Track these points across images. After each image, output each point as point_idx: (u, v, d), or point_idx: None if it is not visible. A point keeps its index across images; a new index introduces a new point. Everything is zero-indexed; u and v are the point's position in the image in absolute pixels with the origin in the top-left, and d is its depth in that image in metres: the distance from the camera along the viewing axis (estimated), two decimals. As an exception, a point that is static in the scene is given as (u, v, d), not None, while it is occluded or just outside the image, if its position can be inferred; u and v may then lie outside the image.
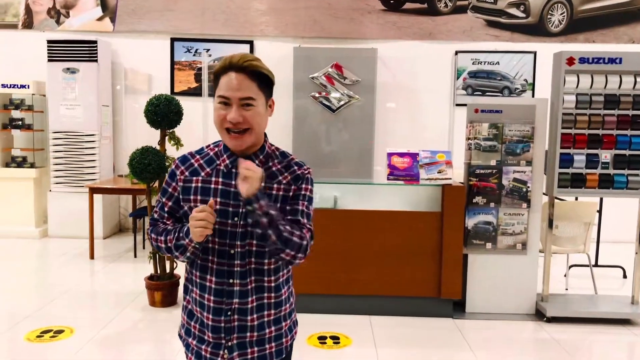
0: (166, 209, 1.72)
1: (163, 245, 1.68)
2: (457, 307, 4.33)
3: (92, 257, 5.76)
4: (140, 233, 6.48)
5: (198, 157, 1.71)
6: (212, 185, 1.65)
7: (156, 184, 4.41)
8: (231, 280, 1.64)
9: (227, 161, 1.66)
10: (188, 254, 1.65)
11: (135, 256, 5.89)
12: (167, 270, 4.45)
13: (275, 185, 1.66)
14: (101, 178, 6.64)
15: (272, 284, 1.69)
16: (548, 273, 4.31)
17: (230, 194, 1.63)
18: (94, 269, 5.46)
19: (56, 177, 6.67)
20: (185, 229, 1.61)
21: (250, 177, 1.50)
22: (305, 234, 1.63)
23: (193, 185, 1.66)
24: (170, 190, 1.71)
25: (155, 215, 1.76)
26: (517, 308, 4.31)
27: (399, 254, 4.19)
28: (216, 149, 1.70)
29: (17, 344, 3.63)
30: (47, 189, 6.77)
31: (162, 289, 4.34)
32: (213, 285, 1.65)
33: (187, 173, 1.68)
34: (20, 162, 6.72)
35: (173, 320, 4.11)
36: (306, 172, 1.70)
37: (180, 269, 4.60)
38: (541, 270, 4.34)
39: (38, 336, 3.73)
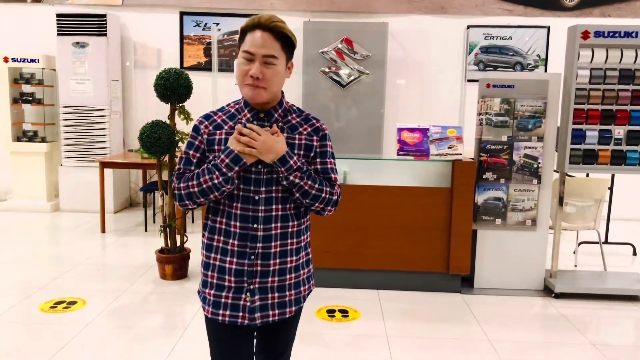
0: (194, 160, 1.78)
1: (196, 189, 1.71)
2: (465, 283, 4.35)
3: (103, 230, 5.82)
4: (151, 207, 6.53)
5: (220, 114, 1.81)
6: None
7: (166, 158, 4.43)
8: (255, 225, 1.72)
9: (248, 115, 1.77)
10: (233, 182, 1.70)
11: (146, 230, 5.94)
12: (178, 243, 4.49)
13: (297, 136, 1.78)
14: (111, 152, 6.68)
15: (295, 229, 1.79)
16: (557, 249, 4.30)
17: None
18: (105, 242, 5.52)
19: (67, 151, 6.71)
20: (224, 164, 1.68)
21: (258, 147, 1.67)
22: (336, 190, 1.82)
23: (217, 137, 1.75)
24: (196, 142, 1.78)
25: (180, 171, 1.80)
26: (525, 284, 4.32)
27: (408, 229, 4.20)
28: (237, 106, 1.81)
29: (31, 314, 3.70)
30: (58, 163, 6.82)
31: (172, 262, 4.38)
32: (237, 230, 1.73)
33: (210, 127, 1.77)
34: (32, 137, 6.76)
35: (184, 293, 4.16)
36: (324, 126, 1.84)
37: (191, 242, 4.65)
38: (550, 247, 4.34)
39: (52, 307, 3.79)
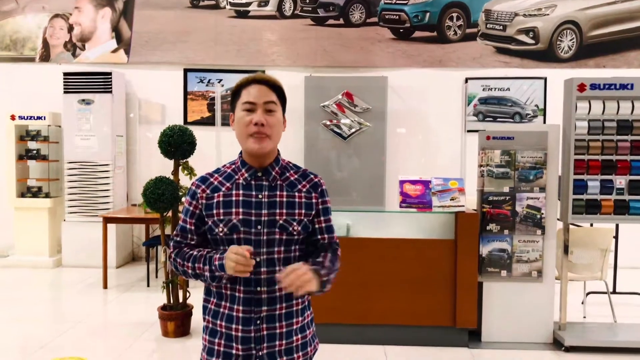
0: (191, 228, 1.80)
1: (190, 271, 1.75)
2: (472, 337, 4.26)
3: (105, 286, 5.77)
4: (153, 262, 6.49)
5: (216, 175, 1.81)
6: (234, 198, 1.74)
7: (169, 213, 4.44)
8: (258, 288, 1.71)
9: (246, 174, 1.77)
10: (224, 282, 1.73)
11: (148, 285, 5.89)
12: (180, 300, 4.44)
13: (296, 194, 1.78)
14: (115, 207, 6.69)
15: None
16: (565, 301, 4.24)
17: (252, 204, 1.73)
18: (107, 298, 5.46)
19: (70, 206, 6.73)
20: (219, 264, 1.67)
21: (304, 282, 1.61)
22: (339, 252, 1.89)
23: (215, 200, 1.75)
24: (192, 209, 1.80)
25: (178, 238, 1.83)
26: (534, 337, 4.23)
27: (413, 283, 4.15)
28: (233, 166, 1.82)
29: (30, 375, 3.63)
30: (62, 218, 6.83)
31: (175, 319, 4.32)
32: (242, 295, 1.71)
33: (208, 191, 1.77)
34: (36, 192, 6.80)
35: (186, 351, 4.08)
36: (322, 180, 1.86)
37: (193, 299, 4.59)
38: (558, 298, 4.28)
39: (51, 368, 3.72)
